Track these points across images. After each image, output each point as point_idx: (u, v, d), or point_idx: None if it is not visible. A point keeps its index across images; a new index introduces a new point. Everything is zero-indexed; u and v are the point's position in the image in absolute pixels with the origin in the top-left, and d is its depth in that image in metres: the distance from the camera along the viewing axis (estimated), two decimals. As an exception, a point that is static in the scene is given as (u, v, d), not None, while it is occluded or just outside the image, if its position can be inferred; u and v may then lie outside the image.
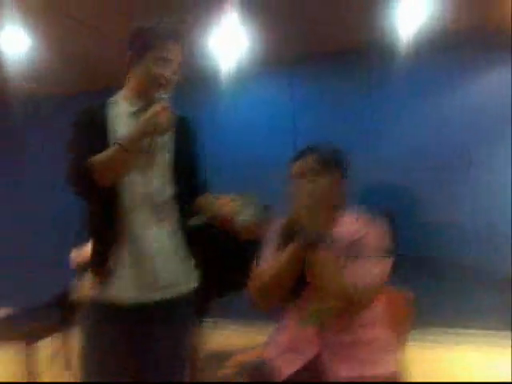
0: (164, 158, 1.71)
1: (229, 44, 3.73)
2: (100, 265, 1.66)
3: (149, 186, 1.68)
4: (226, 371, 3.34)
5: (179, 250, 1.73)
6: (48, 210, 4.43)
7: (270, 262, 1.68)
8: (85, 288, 1.71)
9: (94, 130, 1.63)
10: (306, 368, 1.60)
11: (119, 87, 1.78)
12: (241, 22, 3.40)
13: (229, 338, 4.20)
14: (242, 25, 3.44)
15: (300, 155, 1.70)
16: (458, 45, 3.78)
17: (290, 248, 1.57)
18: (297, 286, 1.61)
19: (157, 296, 1.66)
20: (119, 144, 1.55)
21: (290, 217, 1.66)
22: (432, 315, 3.68)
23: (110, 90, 1.79)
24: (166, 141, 1.71)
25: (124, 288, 1.64)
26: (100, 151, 1.58)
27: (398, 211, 3.85)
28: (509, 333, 3.57)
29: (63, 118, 1.79)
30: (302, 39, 3.95)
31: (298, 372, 1.60)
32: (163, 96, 1.63)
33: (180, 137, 1.76)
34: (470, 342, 3.68)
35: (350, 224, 1.66)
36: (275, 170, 1.74)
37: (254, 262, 1.74)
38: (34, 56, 3.75)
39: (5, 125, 4.92)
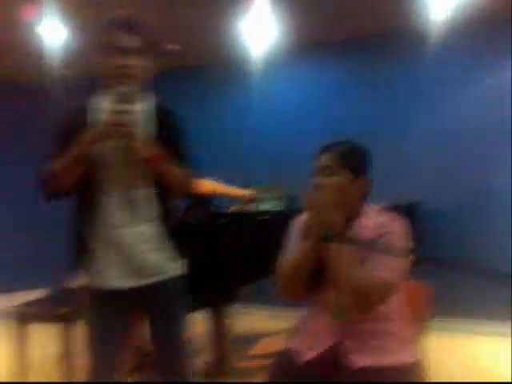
0: None
1: (259, 30, 3.72)
2: (84, 255, 1.78)
3: (129, 178, 1.75)
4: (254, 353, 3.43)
5: (159, 240, 1.81)
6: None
7: (291, 254, 1.72)
8: (79, 278, 1.84)
9: (73, 129, 1.68)
10: (324, 355, 1.64)
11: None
12: (270, 8, 3.41)
13: (256, 323, 4.28)
14: (272, 10, 3.44)
15: (322, 150, 1.70)
16: (483, 32, 3.74)
17: (305, 244, 1.62)
18: (318, 277, 1.65)
19: (137, 283, 1.77)
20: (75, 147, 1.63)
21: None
22: (452, 305, 3.69)
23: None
24: (147, 130, 1.77)
25: (106, 275, 1.76)
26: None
27: (423, 201, 3.86)
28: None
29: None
30: (332, 24, 3.94)
31: (316, 358, 1.64)
32: (124, 89, 1.63)
33: (161, 125, 1.80)
34: (490, 333, 3.71)
35: (374, 220, 1.67)
36: (305, 157, 1.75)
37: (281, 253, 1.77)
38: (70, 44, 3.85)
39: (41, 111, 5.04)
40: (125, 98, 1.62)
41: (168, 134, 1.79)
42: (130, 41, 1.68)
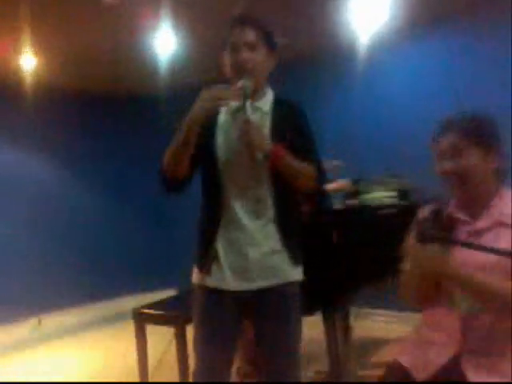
0: None
1: (366, 11, 3.51)
2: (203, 253, 1.76)
3: (251, 176, 1.72)
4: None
5: (279, 242, 1.74)
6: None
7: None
8: (194, 275, 1.82)
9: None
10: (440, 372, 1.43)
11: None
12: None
13: (381, 328, 4.02)
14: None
15: (442, 129, 1.51)
16: None
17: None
18: None
19: (252, 286, 1.72)
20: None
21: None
22: None
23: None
24: (265, 127, 1.73)
25: (223, 276, 1.72)
26: (204, 143, 1.71)
27: None
28: None
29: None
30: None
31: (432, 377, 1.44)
32: (244, 84, 1.64)
33: (279, 121, 1.75)
34: None
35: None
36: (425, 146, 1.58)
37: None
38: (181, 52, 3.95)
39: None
40: (245, 90, 1.64)
41: (290, 129, 1.74)
42: (246, 35, 1.70)
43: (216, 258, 1.73)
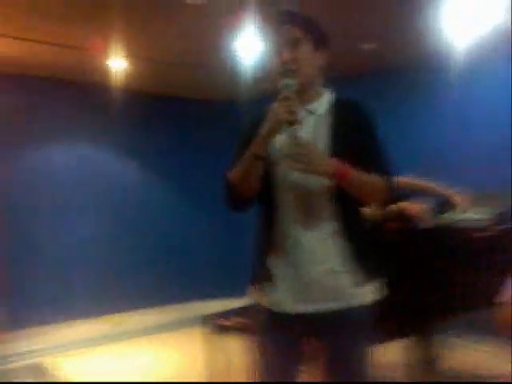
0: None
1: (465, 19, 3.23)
2: (255, 269, 1.62)
3: (305, 184, 1.52)
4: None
5: (343, 260, 1.53)
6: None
7: None
8: (252, 293, 1.67)
9: (254, 135, 1.53)
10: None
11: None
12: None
13: (478, 361, 3.61)
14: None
15: None
16: None
17: None
18: None
19: (309, 309, 1.52)
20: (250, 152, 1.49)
21: None
22: None
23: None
24: (322, 132, 1.53)
25: (276, 296, 1.56)
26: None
27: None
28: None
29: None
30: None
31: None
32: (286, 83, 1.46)
33: (339, 125, 1.54)
34: None
35: None
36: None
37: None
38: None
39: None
40: (288, 89, 1.45)
41: (353, 134, 1.53)
42: (288, 32, 1.54)
43: (269, 275, 1.57)
